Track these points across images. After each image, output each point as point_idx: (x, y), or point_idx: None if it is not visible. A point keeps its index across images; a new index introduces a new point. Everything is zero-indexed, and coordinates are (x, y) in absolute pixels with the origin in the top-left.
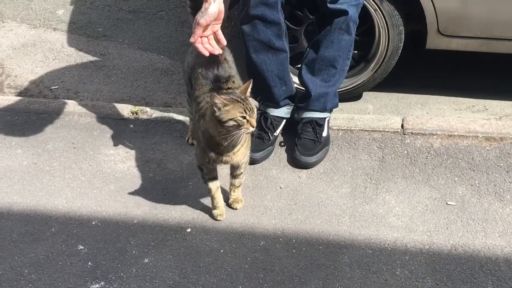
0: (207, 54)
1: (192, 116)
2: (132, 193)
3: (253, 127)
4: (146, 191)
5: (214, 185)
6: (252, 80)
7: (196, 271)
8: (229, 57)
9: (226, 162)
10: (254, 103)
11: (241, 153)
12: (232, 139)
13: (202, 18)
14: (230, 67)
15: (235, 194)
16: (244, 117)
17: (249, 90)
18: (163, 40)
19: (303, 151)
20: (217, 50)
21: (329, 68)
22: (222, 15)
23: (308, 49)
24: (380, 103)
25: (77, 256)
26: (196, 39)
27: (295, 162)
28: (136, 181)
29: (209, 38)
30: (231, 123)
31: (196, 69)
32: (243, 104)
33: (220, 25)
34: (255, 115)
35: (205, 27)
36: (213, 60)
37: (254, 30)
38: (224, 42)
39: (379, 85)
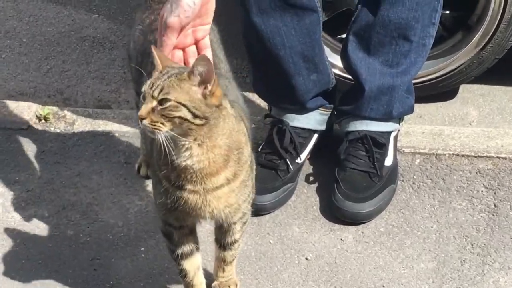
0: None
1: None
2: (34, 269)
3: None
4: (60, 264)
5: (191, 265)
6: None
7: None
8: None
9: (199, 215)
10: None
11: (229, 193)
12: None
13: (172, 15)
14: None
15: (224, 276)
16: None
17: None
18: None
19: (350, 193)
20: None
21: (398, 40)
22: (211, 9)
23: (359, 6)
24: (490, 106)
25: None
26: (167, 53)
27: (335, 213)
28: (42, 242)
29: (186, 53)
30: None
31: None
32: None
33: (208, 26)
34: (145, 98)
35: (180, 30)
36: None
37: None
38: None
39: (489, 74)
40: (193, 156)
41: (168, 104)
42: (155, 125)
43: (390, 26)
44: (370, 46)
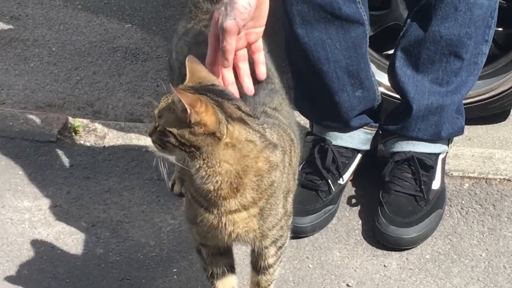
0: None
1: None
2: (63, 286)
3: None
4: (88, 283)
5: (223, 287)
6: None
7: None
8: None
9: (217, 236)
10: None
11: (248, 218)
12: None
13: (228, 18)
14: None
15: None
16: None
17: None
18: None
19: (394, 217)
20: (251, 90)
21: (449, 58)
22: (265, 11)
23: (408, 21)
24: None
25: None
26: (230, 59)
27: (379, 237)
28: (69, 260)
29: (237, 57)
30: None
31: None
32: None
33: (262, 29)
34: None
35: (237, 34)
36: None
37: None
38: (262, 76)
39: None
40: (198, 177)
41: (159, 128)
42: (155, 145)
43: (441, 43)
44: (419, 63)
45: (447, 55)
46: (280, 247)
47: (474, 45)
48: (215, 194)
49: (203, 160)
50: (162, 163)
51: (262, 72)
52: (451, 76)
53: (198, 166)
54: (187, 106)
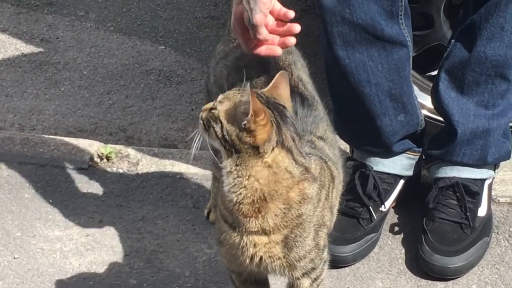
0: (280, 52)
1: (219, 172)
2: None
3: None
4: None
5: None
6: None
7: None
8: (302, 72)
9: (239, 257)
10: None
11: (270, 243)
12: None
13: (255, 13)
14: (306, 89)
15: None
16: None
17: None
18: (164, 14)
19: (439, 245)
20: (290, 13)
21: (495, 79)
22: None
23: (452, 41)
24: None
25: None
26: (265, 47)
27: (422, 267)
28: None
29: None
30: None
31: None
32: None
33: (270, 7)
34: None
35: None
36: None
37: (343, 1)
38: (291, 14)
39: None
40: (226, 182)
41: (214, 112)
42: (202, 122)
43: (486, 64)
44: (464, 85)
45: (493, 77)
46: (315, 279)
47: None
48: (236, 208)
49: (236, 166)
50: (197, 139)
51: (286, 11)
52: (497, 99)
53: (229, 169)
54: (251, 111)
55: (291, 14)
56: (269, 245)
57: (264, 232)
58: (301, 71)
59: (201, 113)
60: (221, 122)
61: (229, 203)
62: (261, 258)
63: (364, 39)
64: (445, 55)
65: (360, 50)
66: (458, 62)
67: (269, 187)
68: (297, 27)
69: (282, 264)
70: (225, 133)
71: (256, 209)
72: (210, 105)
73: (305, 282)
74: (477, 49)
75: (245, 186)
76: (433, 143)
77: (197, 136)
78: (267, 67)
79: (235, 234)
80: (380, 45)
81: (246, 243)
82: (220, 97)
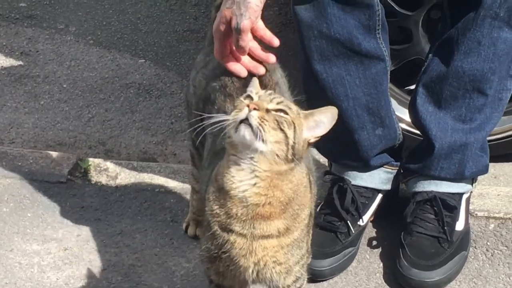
0: (245, 74)
1: (198, 185)
2: None
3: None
4: None
5: None
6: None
7: None
8: (279, 76)
9: (242, 265)
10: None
11: (277, 247)
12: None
13: (244, 18)
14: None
15: None
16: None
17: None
18: (144, 28)
19: (417, 260)
20: (271, 57)
21: (472, 94)
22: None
23: (430, 56)
24: None
25: None
26: (246, 53)
27: (400, 281)
28: None
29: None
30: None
31: (216, 102)
32: None
33: (259, 16)
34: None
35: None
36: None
37: (320, 16)
38: (275, 41)
39: None
40: (255, 184)
41: (285, 116)
42: (263, 123)
43: (464, 78)
44: (442, 99)
45: (470, 91)
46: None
47: (498, 80)
48: (263, 210)
49: (280, 172)
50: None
51: (270, 36)
52: (475, 113)
53: (269, 174)
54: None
55: (276, 42)
56: (276, 248)
57: (277, 235)
58: (280, 80)
59: (254, 113)
60: (294, 129)
61: (253, 207)
62: (265, 264)
63: (341, 53)
64: (422, 69)
65: (338, 64)
66: (435, 76)
67: (300, 191)
68: (276, 41)
69: (281, 271)
70: (295, 141)
71: (282, 211)
72: (265, 105)
73: None
74: (455, 64)
75: (281, 190)
76: (411, 157)
77: (247, 139)
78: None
79: (245, 240)
80: (357, 59)
81: (255, 247)
82: (286, 104)
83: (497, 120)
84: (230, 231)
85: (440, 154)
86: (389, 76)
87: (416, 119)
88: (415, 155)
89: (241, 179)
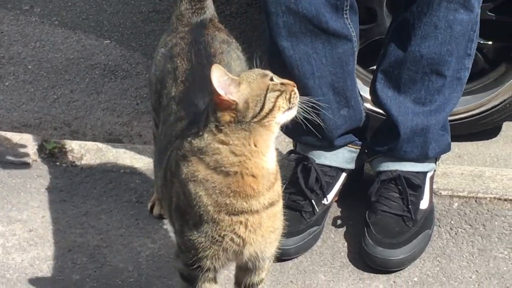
0: None
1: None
2: None
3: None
4: None
5: None
6: None
7: None
8: (236, 64)
9: (247, 242)
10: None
11: (277, 214)
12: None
13: None
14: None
15: None
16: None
17: None
18: (109, 9)
19: (381, 238)
20: None
21: (431, 76)
22: None
23: (387, 41)
24: None
25: None
26: None
27: (365, 259)
28: (45, 287)
29: None
30: (272, 100)
31: (166, 85)
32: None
33: None
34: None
35: None
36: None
37: None
38: None
39: None
40: (268, 156)
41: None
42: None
43: (422, 62)
44: (401, 84)
45: (428, 74)
46: (271, 259)
47: (456, 61)
48: (270, 178)
49: None
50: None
51: None
52: (434, 95)
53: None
54: None
55: None
56: (277, 214)
57: (277, 199)
58: (234, 62)
59: (295, 89)
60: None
61: (273, 176)
62: (262, 236)
63: (308, 31)
64: (380, 55)
65: (305, 41)
66: (393, 61)
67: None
68: None
69: (272, 240)
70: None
71: (276, 179)
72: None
73: (267, 263)
74: (412, 49)
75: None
76: (375, 139)
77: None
78: (199, 55)
79: (256, 216)
80: (324, 37)
81: (264, 219)
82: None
83: (456, 100)
84: (242, 212)
85: (403, 138)
86: (356, 57)
87: (377, 103)
88: (378, 137)
89: (272, 154)
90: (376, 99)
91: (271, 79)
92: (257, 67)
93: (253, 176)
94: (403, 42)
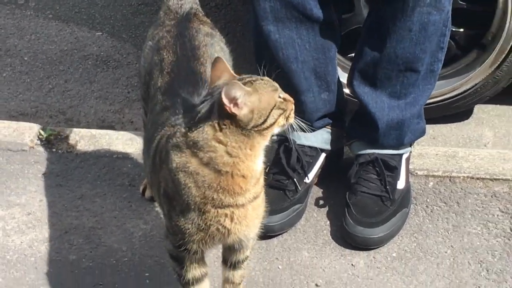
0: None
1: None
2: None
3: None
4: None
5: None
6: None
7: None
8: (218, 48)
9: (234, 231)
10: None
11: (261, 203)
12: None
13: None
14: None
15: None
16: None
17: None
18: (100, 2)
19: (361, 217)
20: None
21: (406, 73)
22: None
23: (361, 42)
24: (505, 127)
25: None
26: None
27: (346, 238)
28: (43, 267)
29: None
30: (275, 116)
31: (153, 77)
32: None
33: None
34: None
35: None
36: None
37: None
38: None
39: (505, 94)
40: (259, 155)
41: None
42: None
43: (397, 61)
44: (377, 81)
45: (403, 71)
46: (255, 238)
47: (429, 55)
48: (256, 177)
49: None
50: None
51: None
52: (409, 88)
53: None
54: None
55: None
56: (260, 204)
57: (261, 190)
58: (218, 54)
59: (293, 106)
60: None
61: (259, 175)
62: (246, 225)
63: (294, 17)
64: (355, 54)
65: (290, 27)
66: (370, 61)
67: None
68: None
69: (256, 224)
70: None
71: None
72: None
73: (251, 242)
74: (387, 51)
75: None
76: (353, 126)
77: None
78: (184, 48)
79: (242, 210)
80: (309, 24)
81: (249, 210)
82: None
83: (430, 91)
84: (228, 206)
85: (380, 132)
86: (338, 44)
87: (355, 98)
88: (356, 127)
89: (262, 156)
90: (353, 94)
91: (279, 96)
92: (264, 75)
93: (243, 176)
94: (379, 44)
